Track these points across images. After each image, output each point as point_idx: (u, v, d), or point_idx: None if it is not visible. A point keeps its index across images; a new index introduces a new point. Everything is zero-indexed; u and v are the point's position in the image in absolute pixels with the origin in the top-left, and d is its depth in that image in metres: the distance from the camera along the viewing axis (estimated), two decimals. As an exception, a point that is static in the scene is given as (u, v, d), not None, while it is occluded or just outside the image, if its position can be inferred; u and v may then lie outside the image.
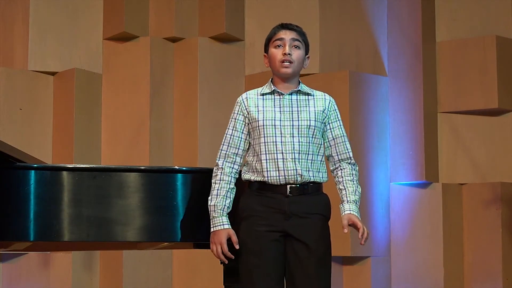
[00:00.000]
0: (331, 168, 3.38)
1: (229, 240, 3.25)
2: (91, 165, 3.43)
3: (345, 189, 3.31)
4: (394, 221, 6.13)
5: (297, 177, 3.24)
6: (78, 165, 3.40)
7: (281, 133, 3.26)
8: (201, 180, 3.45)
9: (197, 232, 3.33)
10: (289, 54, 3.29)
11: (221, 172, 3.30)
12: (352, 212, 3.26)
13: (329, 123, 3.35)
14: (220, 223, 3.26)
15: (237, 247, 3.25)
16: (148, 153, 6.03)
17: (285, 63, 3.29)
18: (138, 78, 6.14)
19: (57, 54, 6.12)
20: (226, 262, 3.27)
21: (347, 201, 3.29)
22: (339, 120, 3.38)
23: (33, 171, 3.31)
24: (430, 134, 6.11)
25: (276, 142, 3.26)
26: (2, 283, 5.87)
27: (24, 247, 3.91)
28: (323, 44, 6.16)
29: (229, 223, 3.27)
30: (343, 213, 3.27)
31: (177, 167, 3.57)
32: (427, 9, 6.21)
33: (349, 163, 3.36)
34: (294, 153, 3.25)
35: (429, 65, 6.16)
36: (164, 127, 6.16)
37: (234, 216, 3.29)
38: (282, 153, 3.24)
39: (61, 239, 3.34)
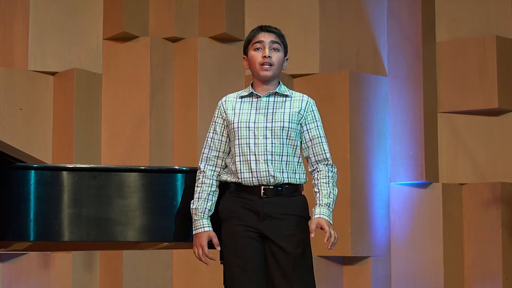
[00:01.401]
0: (310, 170, 3.37)
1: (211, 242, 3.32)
2: (91, 165, 3.42)
3: (319, 192, 3.29)
4: (394, 221, 6.13)
5: (269, 179, 3.24)
6: (78, 165, 3.39)
7: (254, 135, 3.27)
8: (201, 180, 3.43)
9: (197, 232, 3.33)
10: (269, 57, 3.30)
11: (203, 176, 3.34)
12: (321, 216, 3.23)
13: (305, 124, 3.33)
14: (201, 226, 3.30)
15: (218, 249, 3.30)
16: (148, 153, 6.02)
17: (265, 66, 3.31)
18: (138, 78, 6.13)
19: (57, 54, 6.11)
20: (208, 264, 3.32)
21: (319, 204, 3.26)
22: (317, 121, 3.35)
23: (33, 171, 3.31)
24: (430, 134, 6.11)
25: (249, 144, 3.27)
26: (2, 283, 5.86)
27: (24, 247, 3.91)
28: (323, 44, 6.16)
29: (210, 225, 3.31)
30: (313, 217, 3.25)
31: (177, 167, 3.57)
32: (427, 9, 6.21)
33: (326, 165, 3.33)
34: (266, 154, 3.25)
35: (429, 65, 6.15)
36: (164, 127, 6.16)
37: (215, 218, 3.33)
38: (255, 154, 3.26)
39: (61, 239, 3.34)
